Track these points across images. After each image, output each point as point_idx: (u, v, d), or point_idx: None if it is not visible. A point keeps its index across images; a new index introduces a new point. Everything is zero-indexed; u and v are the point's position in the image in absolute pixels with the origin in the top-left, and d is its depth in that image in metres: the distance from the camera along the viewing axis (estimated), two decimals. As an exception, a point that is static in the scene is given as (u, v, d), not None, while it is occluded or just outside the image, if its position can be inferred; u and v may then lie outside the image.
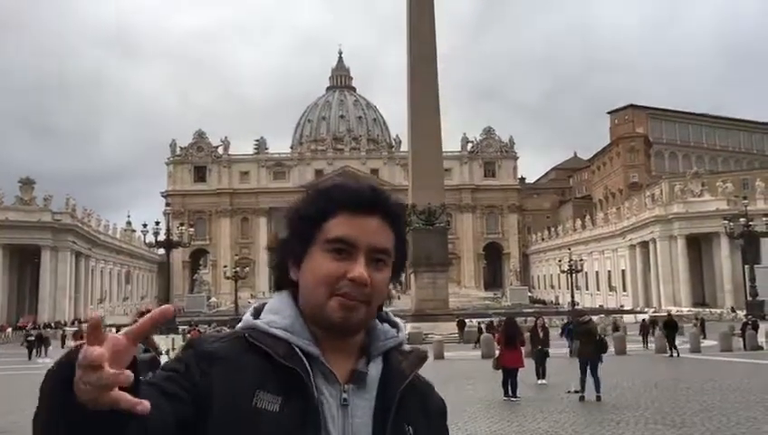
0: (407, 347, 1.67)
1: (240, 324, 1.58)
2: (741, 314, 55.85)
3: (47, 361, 41.36)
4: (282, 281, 1.62)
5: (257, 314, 1.60)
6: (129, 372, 1.14)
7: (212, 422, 1.39)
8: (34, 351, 43.98)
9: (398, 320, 1.71)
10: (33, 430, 1.27)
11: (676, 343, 32.83)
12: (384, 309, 1.70)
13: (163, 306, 1.27)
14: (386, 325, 1.65)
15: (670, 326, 32.98)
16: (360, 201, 1.54)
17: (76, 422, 1.17)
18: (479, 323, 45.20)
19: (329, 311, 1.49)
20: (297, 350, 1.47)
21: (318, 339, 1.51)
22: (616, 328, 40.47)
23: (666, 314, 44.80)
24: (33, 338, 45.36)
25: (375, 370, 1.55)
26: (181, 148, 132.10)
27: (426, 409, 1.61)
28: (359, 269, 1.48)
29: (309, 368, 1.45)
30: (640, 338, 40.15)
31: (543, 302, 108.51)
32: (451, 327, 44.12)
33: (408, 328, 41.59)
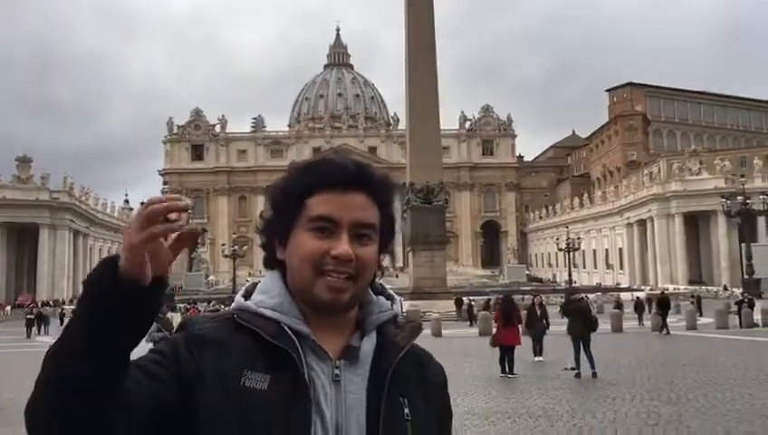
0: (401, 320, 1.65)
1: (232, 305, 1.57)
2: (737, 291, 56.06)
3: (47, 339, 41.51)
4: (270, 260, 1.60)
5: (248, 294, 1.58)
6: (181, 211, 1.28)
7: (201, 404, 1.39)
8: (33, 329, 44.15)
9: (393, 293, 1.69)
10: (67, 330, 1.29)
11: (671, 320, 33.00)
12: (380, 282, 1.68)
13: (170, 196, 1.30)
14: (381, 299, 1.63)
15: (663, 304, 33.12)
16: (342, 177, 1.51)
17: (117, 300, 1.23)
18: (470, 300, 45.15)
19: (316, 292, 1.47)
20: (286, 329, 1.46)
21: (307, 317, 1.50)
22: (618, 305, 40.65)
23: (661, 292, 44.94)
24: (32, 316, 45.48)
25: (369, 344, 1.53)
26: (178, 126, 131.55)
27: (423, 379, 1.59)
28: (342, 246, 1.46)
29: (298, 346, 1.44)
30: (636, 316, 40.36)
31: (540, 280, 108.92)
32: (449, 305, 44.31)
33: (406, 306, 41.93)
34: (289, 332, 1.46)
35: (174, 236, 1.29)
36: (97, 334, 1.24)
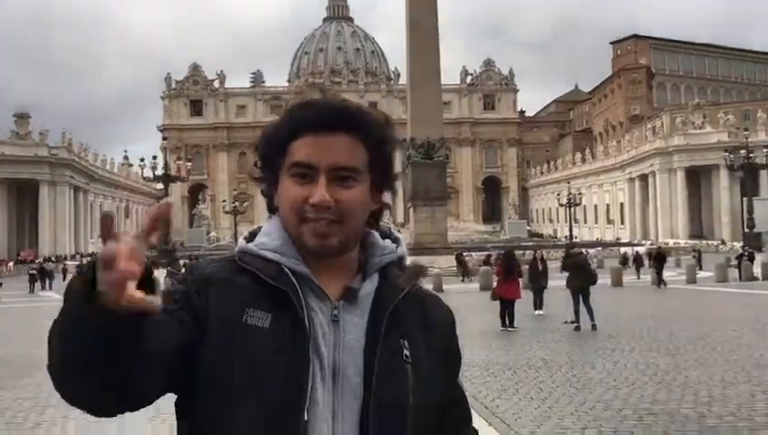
0: (405, 263, 1.60)
1: (236, 248, 1.56)
2: (737, 245, 56.20)
3: (50, 294, 41.85)
4: (270, 207, 1.58)
5: (252, 237, 1.57)
6: (136, 265, 1.17)
7: (206, 340, 1.41)
8: (37, 284, 44.48)
9: (399, 236, 1.64)
10: (50, 338, 1.27)
11: (671, 274, 33.14)
12: (388, 225, 1.63)
13: (159, 203, 1.26)
14: (387, 241, 1.60)
15: (659, 259, 33.23)
16: (322, 120, 1.47)
17: (97, 325, 1.20)
18: (461, 255, 44.91)
19: (304, 238, 1.47)
20: (286, 270, 1.46)
21: (307, 259, 1.49)
22: (624, 260, 40.93)
23: (663, 245, 45.11)
24: (34, 272, 45.77)
25: (370, 286, 1.52)
26: (176, 81, 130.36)
27: (426, 321, 1.56)
28: (319, 192, 1.44)
29: (298, 287, 1.44)
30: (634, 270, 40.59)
31: (540, 235, 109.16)
32: (450, 261, 44.46)
33: (407, 262, 41.68)
34: (289, 273, 1.46)
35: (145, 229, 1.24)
36: (88, 360, 1.23)
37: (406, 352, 1.48)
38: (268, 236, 1.54)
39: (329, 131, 1.47)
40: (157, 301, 1.20)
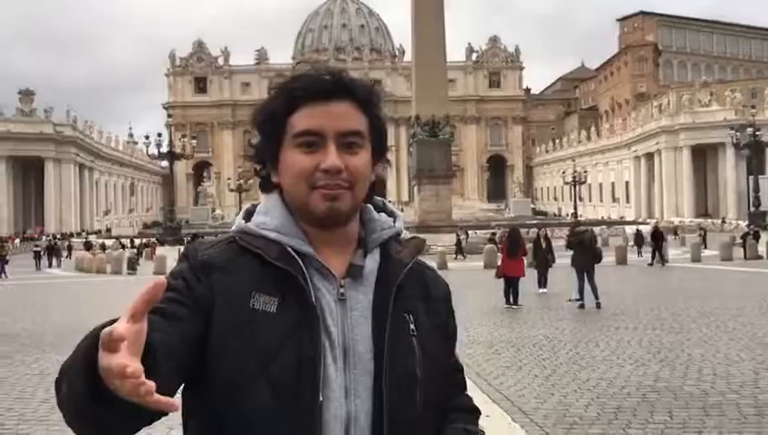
0: (405, 236, 1.61)
1: (233, 228, 1.54)
2: (742, 223, 56.07)
3: (57, 271, 42.10)
4: (266, 185, 1.56)
5: (249, 215, 1.55)
6: (150, 384, 1.09)
7: (213, 328, 1.38)
8: (42, 261, 44.73)
9: (395, 209, 1.65)
10: (58, 384, 1.27)
11: (676, 252, 33.07)
12: (380, 199, 1.64)
13: (155, 280, 1.17)
14: (383, 215, 1.60)
15: (656, 237, 33.14)
16: (321, 88, 1.47)
17: (101, 405, 1.16)
18: (458, 234, 44.35)
19: (313, 205, 1.46)
20: (290, 250, 1.45)
21: (309, 236, 1.49)
22: (638, 239, 40.91)
23: (668, 224, 44.98)
24: (39, 249, 45.99)
25: (372, 262, 1.52)
26: (181, 58, 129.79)
27: (427, 294, 1.58)
28: (330, 158, 1.44)
29: (303, 268, 1.43)
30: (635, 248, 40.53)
31: (545, 213, 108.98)
32: (454, 238, 44.51)
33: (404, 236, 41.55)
34: (293, 253, 1.44)
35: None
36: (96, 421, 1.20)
37: (411, 326, 1.49)
38: (267, 215, 1.52)
39: (328, 99, 1.47)
40: (176, 404, 1.15)
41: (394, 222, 1.60)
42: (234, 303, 1.39)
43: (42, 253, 45.70)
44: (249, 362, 1.36)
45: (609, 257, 29.30)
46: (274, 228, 1.48)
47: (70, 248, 52.17)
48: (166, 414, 1.18)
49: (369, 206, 1.60)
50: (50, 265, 44.68)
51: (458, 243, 42.51)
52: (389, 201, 1.64)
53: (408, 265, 1.53)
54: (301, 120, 1.47)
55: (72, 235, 72.45)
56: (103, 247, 50.81)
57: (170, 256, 33.86)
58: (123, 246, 51.32)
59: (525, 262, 18.96)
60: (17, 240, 68.07)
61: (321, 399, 1.37)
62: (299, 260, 1.44)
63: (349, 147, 1.47)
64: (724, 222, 68.01)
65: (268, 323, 1.38)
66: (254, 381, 1.36)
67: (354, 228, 1.55)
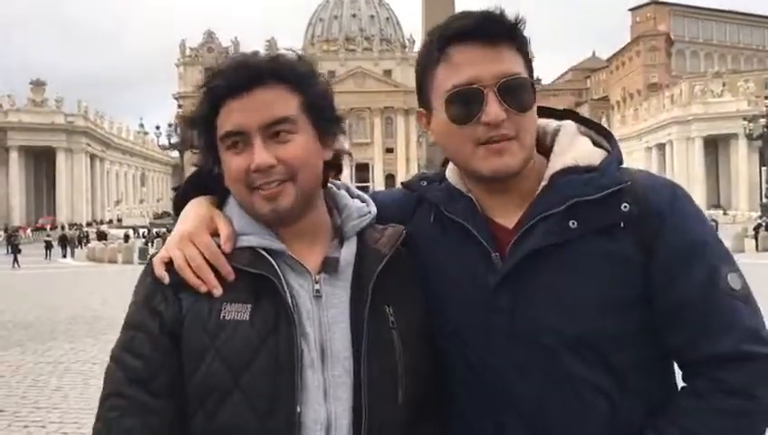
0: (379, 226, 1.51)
1: None
2: (755, 215, 55.73)
3: (70, 261, 42.39)
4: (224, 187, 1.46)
5: None
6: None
7: (184, 346, 1.32)
8: (53, 250, 45.00)
9: (363, 193, 1.57)
10: None
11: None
12: (345, 184, 1.56)
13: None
14: (357, 201, 1.52)
15: None
16: (235, 81, 1.35)
17: None
18: None
19: (256, 208, 1.37)
20: (261, 251, 1.36)
21: (276, 231, 1.40)
22: None
23: None
24: (49, 238, 46.33)
25: (348, 252, 1.43)
26: (191, 48, 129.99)
27: (408, 281, 1.47)
28: (257, 156, 1.32)
29: (277, 268, 1.34)
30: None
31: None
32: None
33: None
34: (264, 253, 1.35)
35: None
36: None
37: (391, 319, 1.40)
38: (232, 217, 1.43)
39: (248, 90, 1.34)
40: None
41: (368, 207, 1.52)
42: (203, 318, 1.32)
43: (53, 243, 45.94)
44: (222, 374, 1.29)
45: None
46: (240, 230, 1.39)
47: (82, 239, 52.29)
48: None
49: (342, 192, 1.52)
50: (63, 256, 44.91)
51: None
52: (347, 151, 1.53)
53: (386, 255, 1.43)
54: (223, 121, 1.36)
55: (83, 225, 72.82)
56: (126, 238, 50.97)
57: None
58: (127, 238, 51.39)
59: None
60: (29, 230, 68.49)
61: (298, 408, 1.29)
62: (271, 260, 1.35)
63: (278, 136, 1.35)
64: (725, 213, 67.29)
65: (240, 333, 1.30)
66: (229, 393, 1.29)
67: (321, 216, 1.47)
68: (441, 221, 1.51)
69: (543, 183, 1.43)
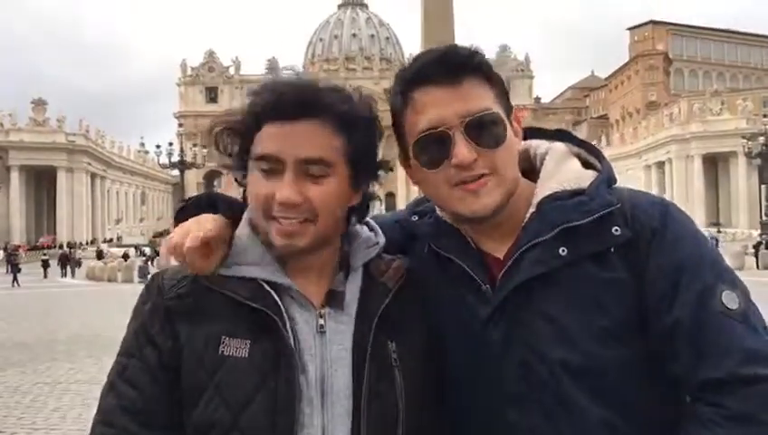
0: (386, 254, 1.48)
1: None
2: (755, 233, 55.69)
3: (70, 280, 42.27)
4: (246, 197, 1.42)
5: None
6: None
7: (183, 379, 1.29)
8: (55, 269, 44.89)
9: (372, 222, 1.52)
10: None
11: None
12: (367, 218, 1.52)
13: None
14: (365, 229, 1.49)
15: None
16: (283, 106, 1.30)
17: None
18: None
19: (272, 237, 1.32)
20: (264, 284, 1.31)
21: (284, 261, 1.36)
22: None
23: None
24: (47, 257, 46.24)
25: (354, 286, 1.39)
26: (192, 68, 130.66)
27: (413, 313, 1.43)
28: (285, 190, 1.27)
29: (280, 303, 1.30)
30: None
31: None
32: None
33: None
34: (266, 287, 1.31)
35: None
36: None
37: (394, 356, 1.36)
38: (236, 245, 1.38)
39: (296, 118, 1.29)
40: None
41: (376, 237, 1.48)
42: (202, 351, 1.28)
43: (49, 262, 45.79)
44: (220, 412, 1.26)
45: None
46: (243, 260, 1.35)
47: (77, 261, 51.67)
48: None
49: (353, 219, 1.47)
50: (63, 275, 44.73)
51: None
52: (376, 195, 1.50)
53: (392, 290, 1.40)
54: (262, 142, 1.31)
55: (82, 245, 72.56)
56: (125, 257, 50.66)
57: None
58: (126, 256, 51.07)
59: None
60: (21, 250, 67.86)
61: None
62: (274, 295, 1.30)
63: (312, 174, 1.30)
64: (719, 232, 66.56)
65: (239, 370, 1.26)
66: (228, 432, 1.25)
67: (332, 253, 1.42)
68: (435, 253, 1.48)
69: (531, 210, 1.38)
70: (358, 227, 1.47)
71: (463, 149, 1.31)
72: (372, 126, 1.41)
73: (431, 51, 1.36)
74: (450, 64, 1.33)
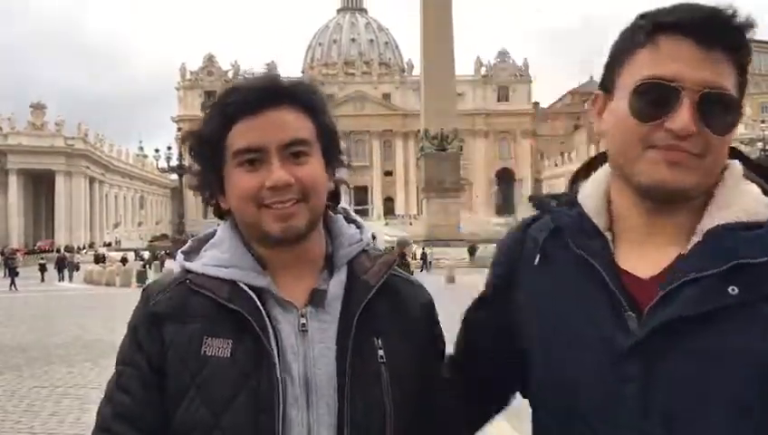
0: (371, 249, 1.47)
1: (176, 267, 1.44)
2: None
3: (67, 284, 42.22)
4: (218, 212, 1.45)
5: (192, 251, 1.45)
6: None
7: (167, 381, 1.31)
8: (53, 273, 44.82)
9: (358, 218, 1.52)
10: None
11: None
12: (342, 206, 1.52)
13: None
14: (352, 227, 1.48)
15: None
16: (255, 98, 1.34)
17: None
18: (423, 249, 41.17)
19: (265, 227, 1.33)
20: (244, 286, 1.33)
21: (266, 262, 1.37)
22: None
23: None
24: (43, 261, 46.22)
25: (338, 284, 1.39)
26: (191, 72, 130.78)
27: (401, 311, 1.42)
28: (275, 174, 1.30)
29: (259, 305, 1.31)
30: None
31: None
32: (462, 253, 44.48)
33: (419, 253, 42.25)
34: (247, 290, 1.32)
35: None
36: None
37: (380, 352, 1.35)
38: (217, 248, 1.41)
39: (265, 108, 1.33)
40: None
41: (360, 233, 1.48)
42: (185, 352, 1.30)
43: (47, 266, 45.73)
44: (202, 413, 1.27)
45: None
46: (225, 262, 1.37)
47: (75, 265, 51.53)
48: None
49: (339, 216, 1.48)
50: (60, 279, 44.65)
51: (423, 256, 41.07)
52: (344, 182, 1.51)
53: (373, 287, 1.38)
54: (238, 138, 1.33)
55: (79, 248, 72.45)
56: (124, 261, 50.54)
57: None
58: (125, 260, 50.96)
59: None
60: (19, 254, 67.72)
61: None
62: (253, 296, 1.32)
63: (296, 157, 1.33)
64: None
65: (221, 370, 1.28)
66: (209, 433, 1.26)
67: (317, 245, 1.42)
68: (551, 262, 1.30)
69: (695, 239, 1.19)
70: (343, 224, 1.47)
71: (686, 117, 1.13)
72: (330, 112, 1.44)
73: (696, 6, 1.18)
74: (713, 28, 1.15)
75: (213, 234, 1.47)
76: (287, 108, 1.35)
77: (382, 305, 1.38)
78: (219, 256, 1.38)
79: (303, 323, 1.34)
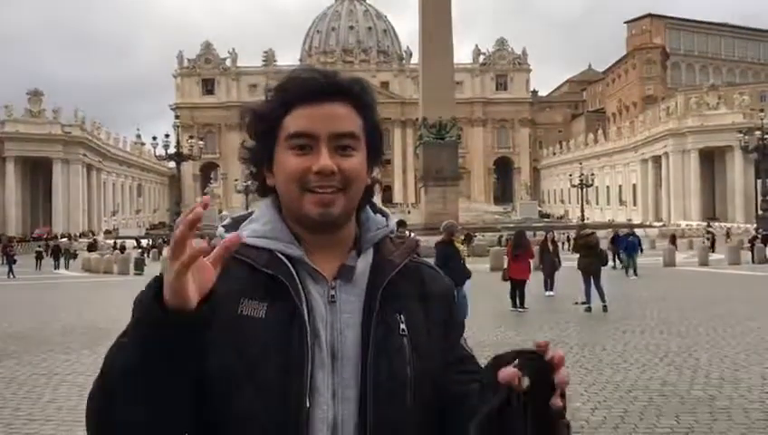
0: (396, 236, 1.61)
1: (217, 237, 1.52)
2: (750, 227, 55.80)
3: (65, 272, 42.22)
4: (262, 189, 1.56)
5: (236, 224, 1.56)
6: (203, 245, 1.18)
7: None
8: (48, 261, 44.81)
9: (385, 209, 1.65)
10: (110, 358, 1.31)
11: (682, 256, 32.45)
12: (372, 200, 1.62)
13: (195, 206, 1.19)
14: (378, 216, 1.60)
15: (614, 240, 31.10)
16: (314, 89, 1.45)
17: (164, 332, 1.19)
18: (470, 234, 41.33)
19: (306, 210, 1.44)
20: (279, 255, 1.45)
21: (302, 239, 1.48)
22: (673, 240, 40.75)
23: (612, 227, 43.79)
24: (41, 249, 46.22)
25: (364, 263, 1.51)
26: (189, 60, 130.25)
27: (424, 293, 1.54)
28: (322, 160, 1.42)
29: (293, 272, 1.43)
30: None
31: (548, 216, 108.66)
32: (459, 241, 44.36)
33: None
34: (283, 259, 1.44)
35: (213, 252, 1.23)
36: (153, 370, 1.21)
37: (402, 326, 1.46)
38: (257, 221, 1.52)
39: (324, 100, 1.45)
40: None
41: (387, 222, 1.60)
42: (222, 309, 1.34)
43: (44, 253, 45.73)
44: (236, 367, 1.36)
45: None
46: (263, 234, 1.48)
47: (72, 253, 51.42)
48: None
49: (367, 206, 1.59)
50: (56, 267, 44.65)
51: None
52: (377, 180, 1.63)
53: (399, 265, 1.51)
54: (293, 122, 1.45)
55: (76, 236, 72.21)
56: (122, 249, 50.45)
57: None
58: (123, 248, 50.81)
59: (532, 265, 18.89)
60: (14, 242, 67.56)
61: (308, 404, 1.35)
62: (288, 265, 1.43)
63: (343, 149, 1.45)
64: (709, 226, 65.72)
65: (255, 329, 1.37)
66: (241, 387, 1.35)
67: (349, 232, 1.54)
68: None
69: None
70: (370, 212, 1.58)
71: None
72: (377, 111, 1.55)
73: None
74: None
75: (249, 214, 1.58)
76: (341, 102, 1.46)
77: (406, 286, 1.50)
78: (259, 229, 1.49)
79: (333, 295, 1.45)
